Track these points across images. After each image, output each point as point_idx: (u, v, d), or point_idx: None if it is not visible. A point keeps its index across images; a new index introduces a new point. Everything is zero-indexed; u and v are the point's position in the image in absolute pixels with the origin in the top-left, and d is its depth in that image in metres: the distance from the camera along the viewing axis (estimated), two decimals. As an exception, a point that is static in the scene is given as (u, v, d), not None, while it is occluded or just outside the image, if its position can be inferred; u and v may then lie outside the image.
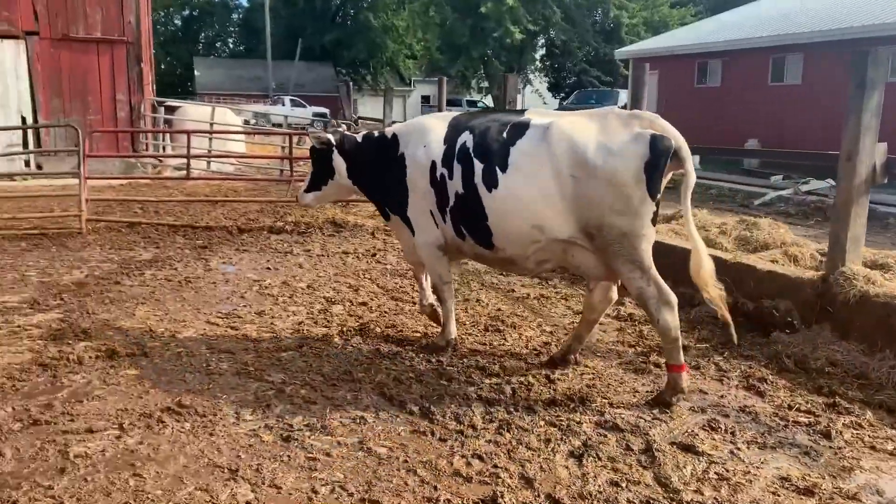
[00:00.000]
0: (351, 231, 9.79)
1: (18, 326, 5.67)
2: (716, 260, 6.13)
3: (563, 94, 48.17)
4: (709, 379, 4.79)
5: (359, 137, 5.35)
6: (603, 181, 4.11)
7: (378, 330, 5.64)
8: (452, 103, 47.25)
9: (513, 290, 6.94)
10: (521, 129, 4.46)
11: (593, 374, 4.81)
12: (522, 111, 4.71)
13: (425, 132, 4.92)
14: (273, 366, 4.88)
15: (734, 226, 7.61)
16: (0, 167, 14.48)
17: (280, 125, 31.99)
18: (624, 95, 26.50)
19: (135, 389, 4.47)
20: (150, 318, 5.92)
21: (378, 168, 5.17)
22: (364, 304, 6.37)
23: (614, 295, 4.77)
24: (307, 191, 5.56)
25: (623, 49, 27.65)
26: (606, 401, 4.34)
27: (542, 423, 4.04)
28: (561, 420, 4.07)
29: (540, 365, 4.95)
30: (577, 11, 40.48)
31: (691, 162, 4.17)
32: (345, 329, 5.64)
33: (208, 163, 15.80)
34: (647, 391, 4.54)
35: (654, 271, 4.23)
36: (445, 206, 4.77)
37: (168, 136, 17.87)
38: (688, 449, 3.78)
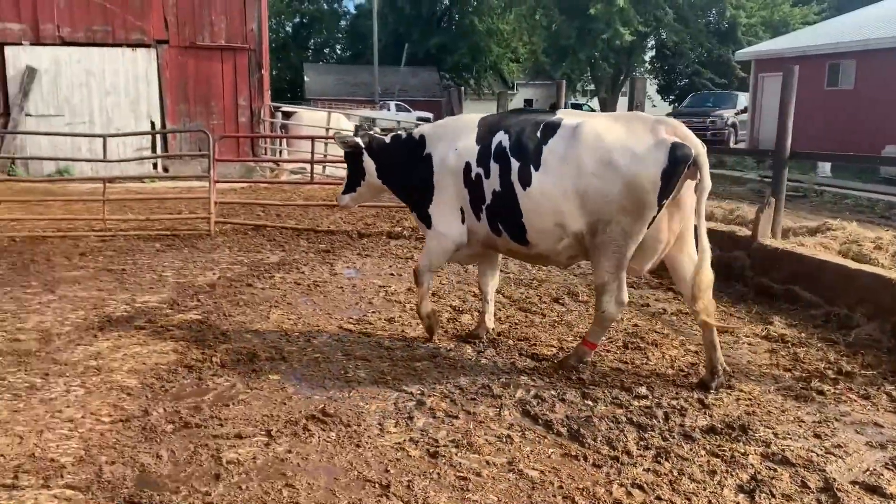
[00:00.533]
0: (469, 237, 9.67)
1: (161, 327, 5.85)
2: (877, 278, 5.69)
3: (672, 97, 46.75)
4: (882, 410, 4.36)
5: (387, 139, 5.53)
6: (621, 182, 4.32)
7: (510, 342, 5.47)
8: (556, 107, 46.86)
9: (647, 305, 6.63)
10: (553, 128, 4.64)
11: (750, 399, 4.46)
12: (554, 112, 4.84)
13: (456, 134, 5.08)
14: (409, 376, 4.80)
15: (890, 240, 7.00)
16: (131, 170, 15.29)
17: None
18: (743, 98, 25.32)
19: (278, 395, 4.48)
20: (285, 322, 5.98)
21: (405, 168, 5.34)
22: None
23: (705, 278, 4.55)
24: (344, 192, 5.79)
25: (744, 50, 26.45)
26: (770, 430, 4.01)
27: (702, 452, 3.76)
28: (724, 450, 3.77)
29: (690, 386, 4.66)
30: (690, 11, 39.05)
31: (708, 169, 4.32)
32: (475, 338, 5.51)
33: (324, 167, 16.12)
34: (813, 421, 4.16)
35: (624, 272, 4.55)
36: (481, 205, 4.93)
37: (285, 140, 18.40)
38: (874, 490, 3.42)
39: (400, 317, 6.14)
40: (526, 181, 4.64)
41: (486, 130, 4.93)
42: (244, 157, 16.14)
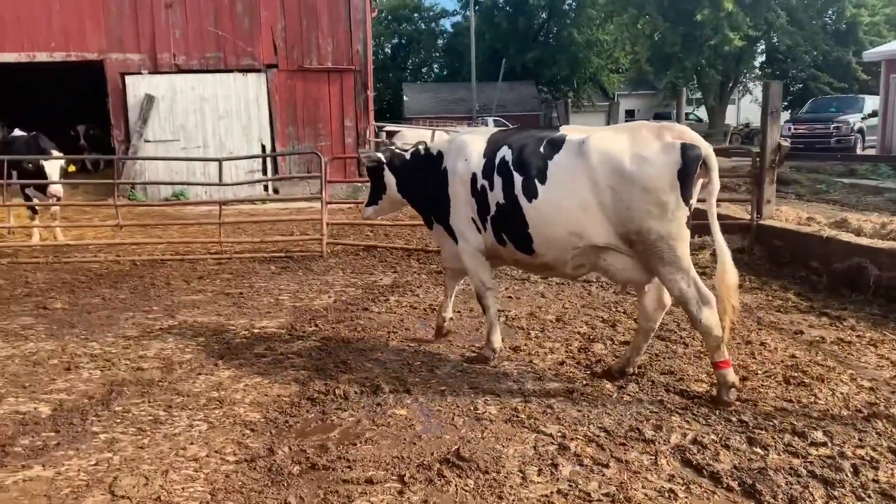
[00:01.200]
0: (587, 256, 9.18)
1: (281, 354, 5.68)
2: None
3: (785, 104, 44.41)
4: None
5: (407, 155, 5.74)
6: (639, 188, 4.37)
7: (654, 376, 4.96)
8: (661, 116, 45.36)
9: (801, 332, 5.95)
10: (557, 143, 4.76)
11: (955, 450, 3.79)
12: (557, 128, 4.96)
13: (465, 147, 5.25)
14: (545, 414, 4.38)
15: None
16: (243, 192, 15.62)
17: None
18: (871, 102, 23.55)
19: (406, 433, 4.16)
20: (405, 350, 5.69)
21: (424, 181, 5.53)
22: (627, 343, 5.71)
23: (667, 300, 4.76)
24: (367, 205, 6.06)
25: (874, 50, 24.62)
26: None
27: (912, 518, 3.17)
28: (938, 517, 3.16)
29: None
30: (805, 13, 37.03)
31: (717, 170, 4.43)
32: (612, 374, 5.03)
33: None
34: None
35: (693, 272, 4.44)
36: (486, 215, 5.10)
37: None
38: None
39: (525, 345, 5.73)
40: (532, 194, 4.78)
41: (493, 146, 5.10)
42: (352, 178, 16.22)
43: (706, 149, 4.40)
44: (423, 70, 64.67)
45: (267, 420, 4.41)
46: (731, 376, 4.47)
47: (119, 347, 5.92)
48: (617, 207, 4.46)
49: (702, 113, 47.34)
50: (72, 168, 11.13)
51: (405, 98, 51.21)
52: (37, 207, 11.00)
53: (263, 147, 16.75)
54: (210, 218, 12.55)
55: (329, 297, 7.57)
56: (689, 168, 4.32)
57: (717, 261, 4.43)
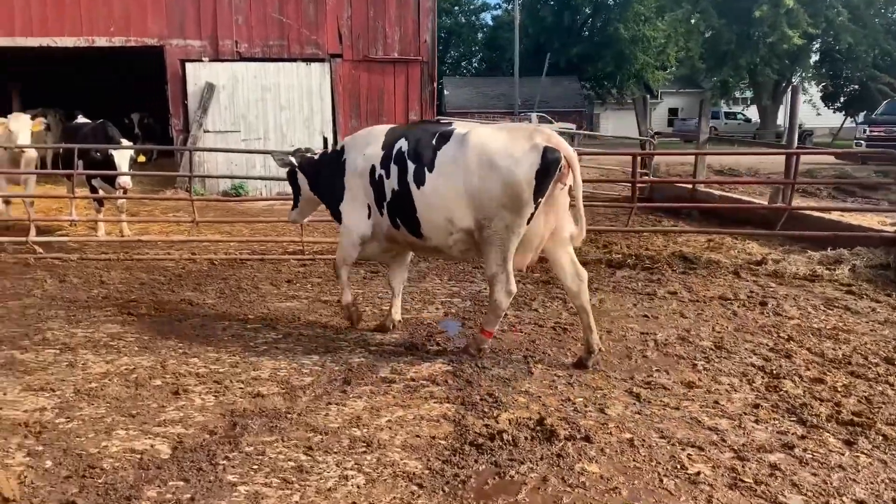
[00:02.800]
0: (706, 268, 8.35)
1: (412, 380, 4.96)
2: None
3: (838, 104, 42.91)
4: None
5: (316, 156, 6.29)
6: (502, 182, 4.88)
7: (884, 429, 4.14)
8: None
9: None
10: (446, 136, 5.23)
11: None
12: (450, 123, 5.56)
13: (367, 142, 5.72)
14: (773, 477, 3.59)
15: None
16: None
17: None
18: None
19: (610, 499, 3.41)
20: (555, 380, 4.92)
21: (327, 176, 6.00)
22: (819, 381, 4.90)
23: (582, 272, 5.24)
24: (292, 209, 6.62)
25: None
26: None
27: None
28: None
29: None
30: (867, 11, 35.62)
31: (579, 172, 5.00)
32: (827, 423, 4.22)
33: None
34: None
35: (510, 263, 5.08)
36: (383, 202, 5.52)
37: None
38: None
39: (698, 380, 4.93)
40: (420, 181, 5.23)
41: (392, 139, 5.54)
42: None
43: (567, 151, 4.89)
44: (463, 64, 63.83)
45: (432, 472, 3.68)
46: (486, 344, 5.38)
47: (226, 365, 5.23)
48: (480, 196, 4.97)
49: (752, 113, 45.98)
50: (141, 158, 10.51)
51: (445, 92, 50.36)
52: (103, 200, 10.41)
53: (326, 140, 16.06)
54: (273, 214, 11.91)
55: (436, 308, 6.84)
56: (546, 169, 4.84)
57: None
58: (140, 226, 10.98)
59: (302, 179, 6.29)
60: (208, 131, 15.69)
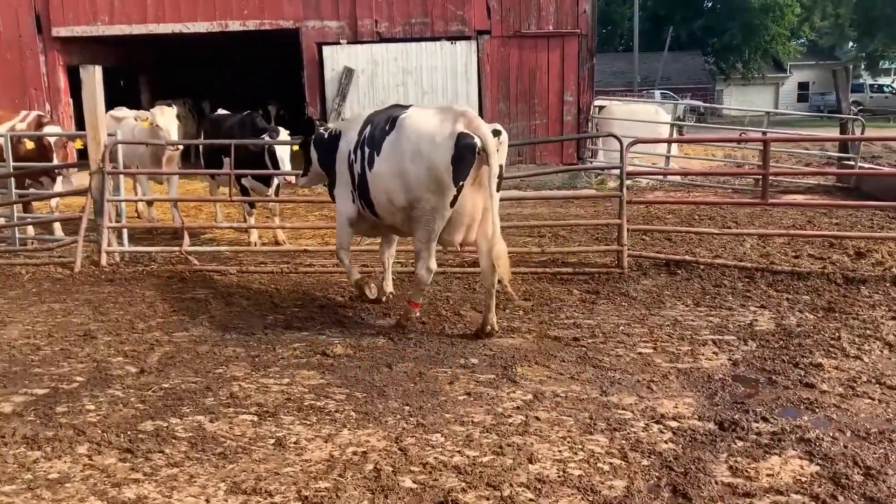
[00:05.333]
0: None
1: (766, 489, 3.34)
2: None
3: None
4: None
5: (325, 134, 6.42)
6: (425, 166, 5.20)
7: None
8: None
9: None
10: (395, 120, 5.51)
11: None
12: (409, 106, 5.73)
13: (351, 127, 6.05)
14: None
15: None
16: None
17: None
18: None
19: None
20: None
21: (328, 156, 6.27)
22: None
23: (499, 249, 5.27)
24: (302, 175, 6.85)
25: None
26: None
27: None
28: None
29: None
30: None
31: (495, 157, 5.12)
32: None
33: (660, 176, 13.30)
34: None
35: (433, 242, 5.49)
36: (354, 184, 5.89)
37: (600, 140, 15.80)
38: None
39: None
40: (371, 164, 5.63)
41: (365, 124, 5.84)
42: (567, 162, 13.78)
43: (483, 138, 5.08)
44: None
45: None
46: (414, 315, 5.81)
47: (484, 450, 3.78)
48: (410, 178, 5.29)
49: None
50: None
51: (560, 70, 48.09)
52: (255, 203, 9.28)
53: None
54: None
55: (714, 353, 5.18)
56: (460, 155, 5.09)
57: (490, 234, 5.23)
58: (294, 231, 9.81)
59: (313, 153, 6.52)
60: (346, 119, 14.49)
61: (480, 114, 14.39)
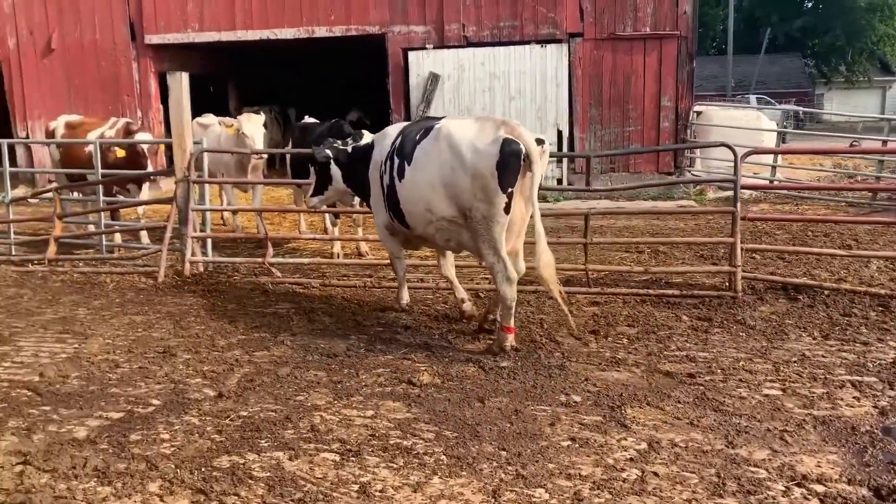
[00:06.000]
0: None
1: None
2: None
3: None
4: None
5: (349, 149, 6.49)
6: (469, 173, 5.15)
7: None
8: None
9: None
10: (427, 131, 5.54)
11: None
12: (440, 118, 5.69)
13: (385, 137, 6.08)
14: None
15: None
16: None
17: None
18: None
19: None
20: None
21: (358, 169, 6.32)
22: None
23: (521, 266, 5.50)
24: (313, 195, 6.82)
25: None
26: None
27: None
28: None
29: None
30: None
31: (538, 164, 5.10)
32: None
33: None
34: None
35: (503, 252, 5.23)
36: (384, 195, 5.90)
37: (698, 149, 14.89)
38: None
39: None
40: (401, 175, 5.61)
41: (397, 135, 5.87)
42: (663, 170, 12.97)
43: (527, 144, 5.05)
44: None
45: None
46: (508, 341, 5.36)
47: (598, 515, 3.27)
48: (455, 186, 5.24)
49: None
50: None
51: (646, 74, 46.67)
52: (339, 214, 9.00)
53: (560, 133, 14.01)
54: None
55: (856, 399, 4.49)
56: (506, 160, 5.03)
57: (536, 242, 5.13)
58: (377, 243, 9.48)
59: (335, 171, 6.51)
60: (431, 126, 14.15)
61: (571, 119, 13.88)
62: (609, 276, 7.50)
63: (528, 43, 13.91)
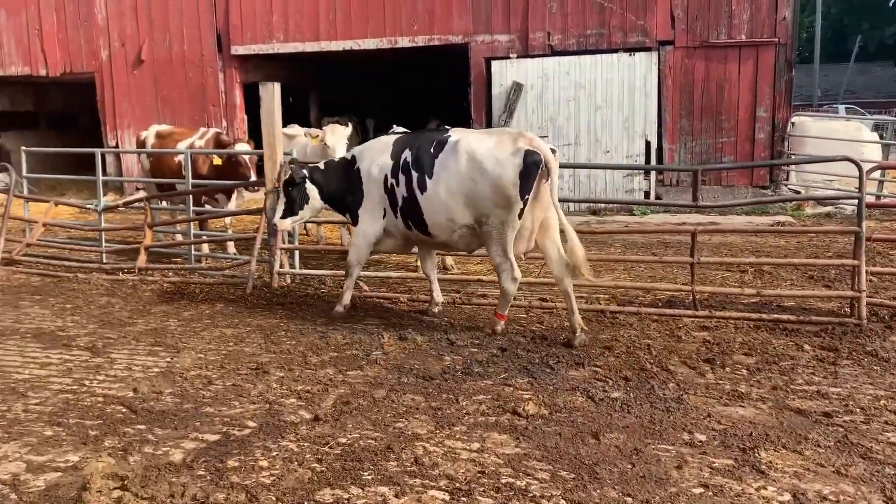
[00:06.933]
0: None
1: None
2: None
3: None
4: None
5: (321, 165, 6.90)
6: (490, 183, 5.63)
7: None
8: None
9: None
10: (442, 144, 5.98)
11: None
12: (447, 130, 6.14)
13: (372, 151, 6.48)
14: None
15: None
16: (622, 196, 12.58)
17: None
18: None
19: None
20: None
21: (342, 183, 6.65)
22: None
23: (566, 259, 5.83)
24: (283, 217, 6.87)
25: None
26: None
27: None
28: None
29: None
30: None
31: (557, 173, 5.70)
32: None
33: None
34: None
35: (511, 253, 5.80)
36: (396, 207, 6.25)
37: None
38: None
39: None
40: (423, 188, 6.00)
41: (398, 149, 6.27)
42: (758, 184, 12.27)
43: (546, 155, 5.58)
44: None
45: None
46: (500, 326, 6.07)
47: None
48: (473, 196, 5.73)
49: None
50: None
51: (726, 85, 45.23)
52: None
53: (648, 144, 13.50)
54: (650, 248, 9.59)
55: None
56: (528, 170, 5.54)
57: (569, 241, 5.66)
58: (463, 257, 9.21)
59: (311, 189, 6.70)
60: (513, 137, 13.83)
61: (660, 130, 13.35)
62: (714, 298, 7.02)
63: (615, 51, 13.47)
